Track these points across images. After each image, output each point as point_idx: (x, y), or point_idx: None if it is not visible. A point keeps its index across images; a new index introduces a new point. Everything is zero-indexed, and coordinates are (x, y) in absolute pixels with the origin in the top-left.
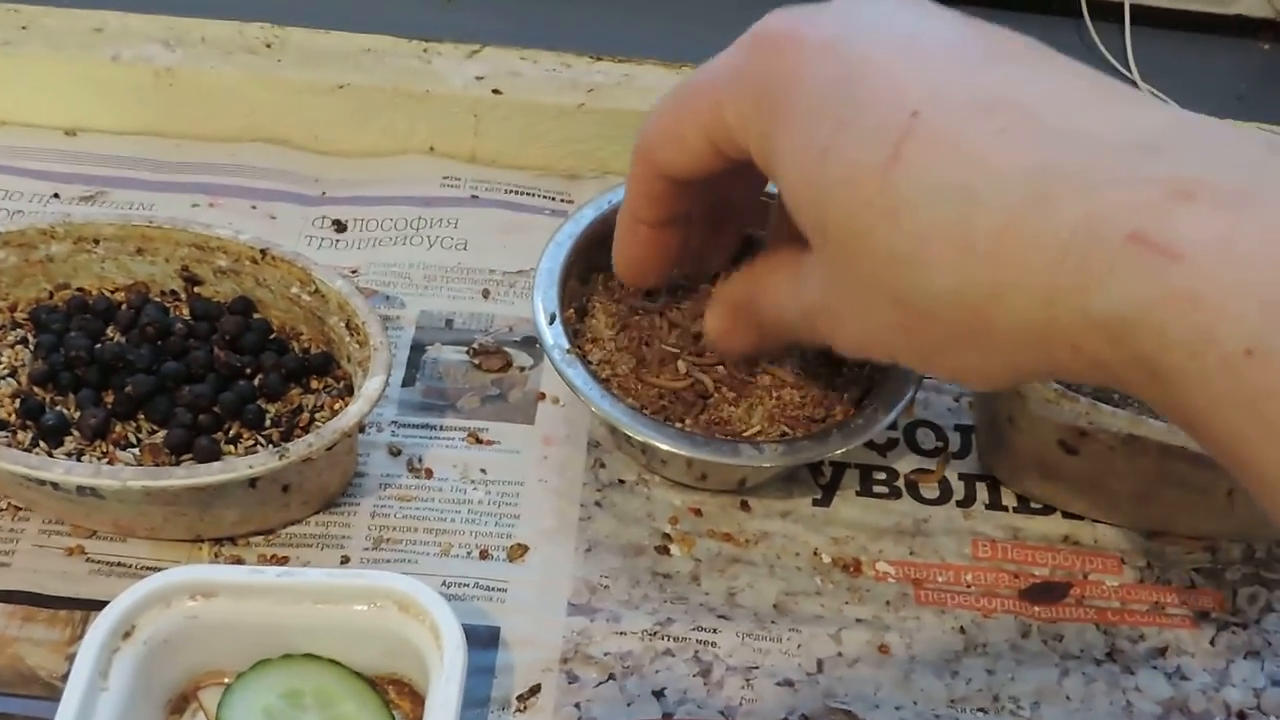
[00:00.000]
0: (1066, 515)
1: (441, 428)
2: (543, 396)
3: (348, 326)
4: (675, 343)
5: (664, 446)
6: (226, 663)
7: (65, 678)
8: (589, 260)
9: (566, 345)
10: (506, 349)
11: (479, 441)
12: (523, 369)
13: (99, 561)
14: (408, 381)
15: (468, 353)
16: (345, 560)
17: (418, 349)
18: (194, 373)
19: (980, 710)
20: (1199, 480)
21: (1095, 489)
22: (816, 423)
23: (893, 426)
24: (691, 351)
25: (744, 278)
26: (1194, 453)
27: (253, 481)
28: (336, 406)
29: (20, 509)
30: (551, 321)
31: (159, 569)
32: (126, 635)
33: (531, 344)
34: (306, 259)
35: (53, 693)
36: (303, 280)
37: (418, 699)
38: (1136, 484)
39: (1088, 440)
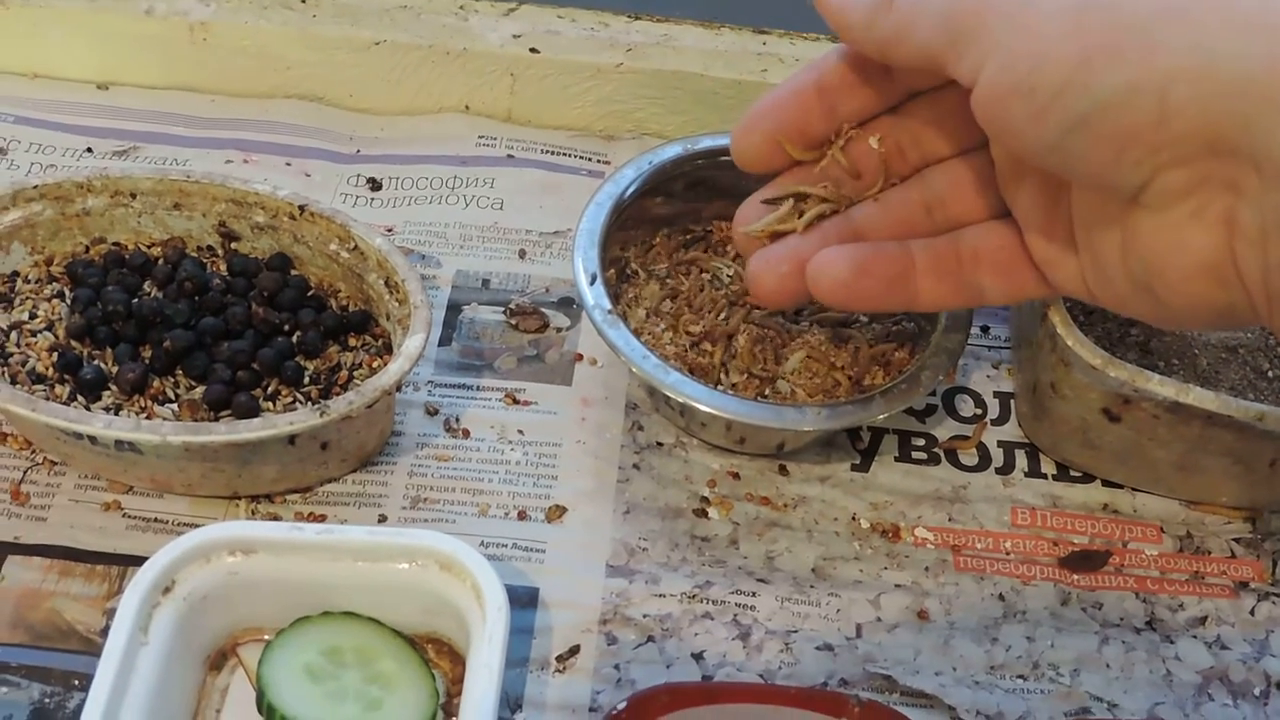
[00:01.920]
0: (1106, 484)
1: (479, 388)
2: (580, 358)
3: (387, 284)
4: (719, 296)
5: (704, 408)
6: (266, 619)
7: (103, 632)
8: (630, 221)
9: (608, 306)
10: (544, 310)
11: (516, 402)
12: (560, 330)
13: (136, 517)
14: (444, 341)
15: (504, 313)
16: (383, 519)
17: (454, 309)
18: (232, 329)
19: (1020, 677)
20: (1242, 450)
21: (1137, 457)
22: (852, 380)
23: (932, 393)
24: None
25: None
26: (1239, 422)
27: (292, 439)
28: (375, 364)
29: (56, 463)
30: (593, 282)
31: (196, 525)
32: (166, 590)
33: (569, 305)
34: (345, 215)
35: (90, 647)
36: (341, 237)
37: (457, 658)
38: (1179, 452)
39: (1131, 408)
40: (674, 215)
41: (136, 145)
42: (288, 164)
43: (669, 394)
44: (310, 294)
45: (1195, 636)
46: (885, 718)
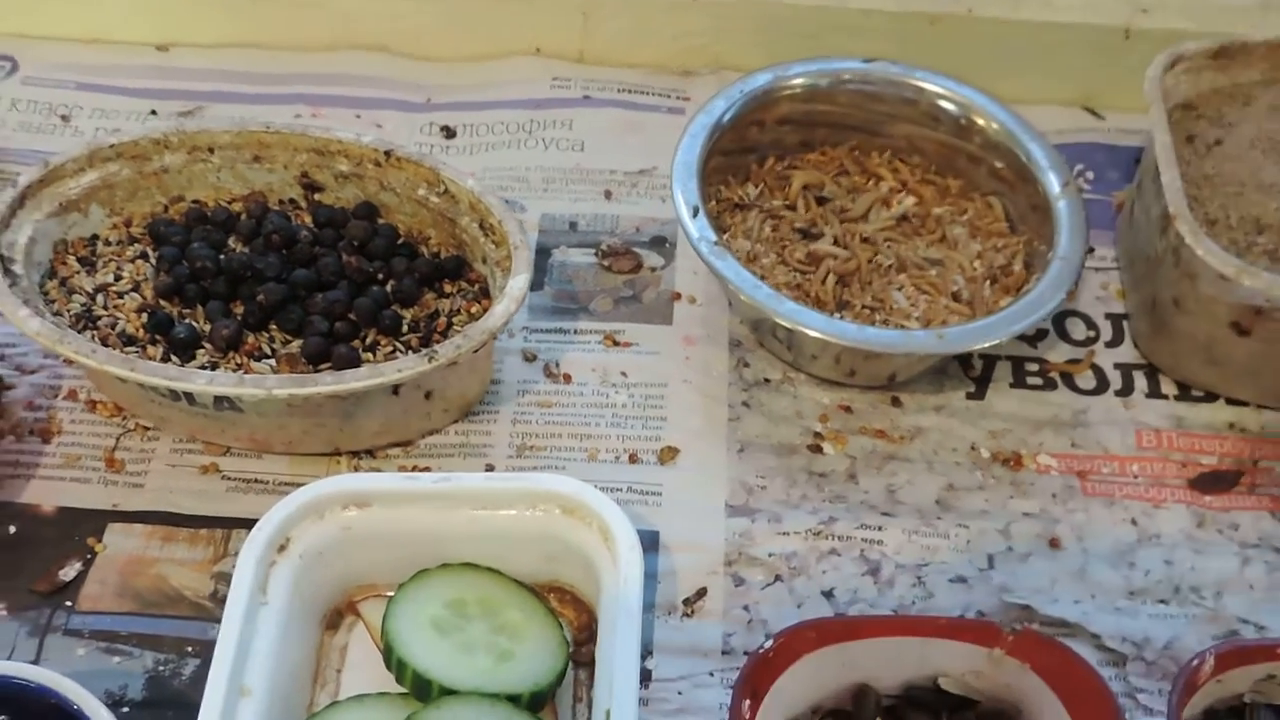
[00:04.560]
0: (1230, 402)
1: (576, 331)
2: (678, 296)
3: (481, 226)
4: (826, 221)
5: (818, 335)
6: (380, 576)
7: (212, 597)
8: (726, 151)
9: (714, 237)
10: (636, 249)
11: (616, 344)
12: (654, 269)
13: (235, 479)
14: (536, 286)
15: (595, 254)
16: (490, 469)
17: (543, 253)
18: (324, 280)
19: (1161, 601)
20: None
21: (1267, 371)
22: (964, 302)
23: None
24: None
25: None
26: None
27: (396, 388)
28: (474, 310)
29: (149, 429)
30: (695, 214)
31: (298, 484)
32: (282, 549)
33: (662, 244)
34: (434, 159)
35: (200, 612)
36: (430, 181)
37: (581, 606)
38: None
39: (1263, 319)
40: (769, 143)
41: (201, 105)
42: (357, 116)
43: (784, 323)
44: (400, 242)
45: None
46: (1040, 645)
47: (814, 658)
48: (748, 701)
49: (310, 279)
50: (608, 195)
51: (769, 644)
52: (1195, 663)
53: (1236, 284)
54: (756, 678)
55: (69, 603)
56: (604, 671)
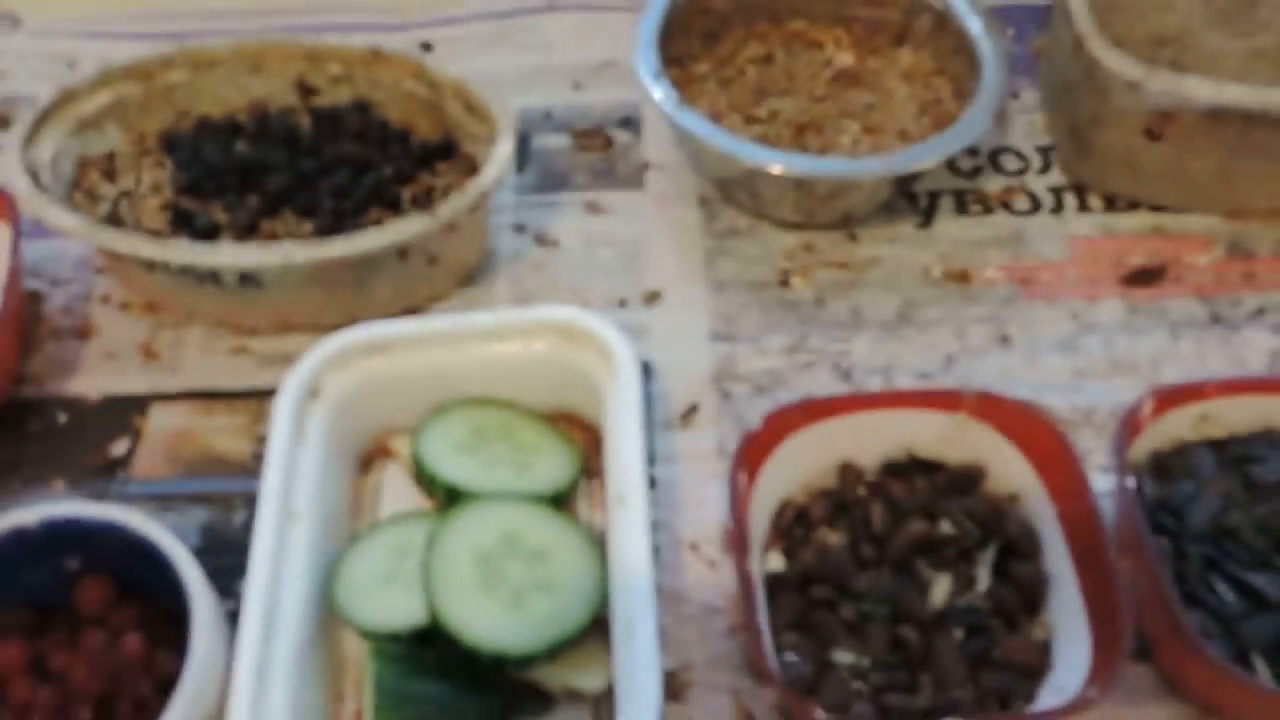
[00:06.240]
0: (1152, 209)
1: (559, 204)
2: (648, 166)
3: (466, 107)
4: (775, 83)
5: (778, 170)
6: (405, 420)
7: (254, 457)
8: (680, 30)
9: (678, 97)
10: (606, 130)
11: (596, 210)
12: (625, 145)
13: (264, 356)
14: (519, 169)
15: (570, 137)
16: None
17: (523, 141)
18: (328, 166)
19: (1104, 379)
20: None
21: (1180, 174)
22: (904, 137)
23: (975, 153)
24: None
25: None
26: (1275, 117)
27: (404, 252)
28: (465, 184)
29: (180, 323)
30: (657, 79)
31: None
32: (314, 395)
33: (629, 123)
34: (417, 53)
35: (244, 470)
36: (415, 73)
37: (589, 429)
38: (1219, 161)
39: (1172, 123)
40: (717, 26)
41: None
42: None
43: (747, 162)
44: (393, 131)
45: (1258, 325)
46: (998, 404)
47: (800, 438)
48: (744, 474)
49: (315, 167)
50: (577, 87)
51: (760, 423)
52: (1136, 404)
53: (1145, 89)
54: (751, 454)
55: (122, 473)
56: (614, 460)
